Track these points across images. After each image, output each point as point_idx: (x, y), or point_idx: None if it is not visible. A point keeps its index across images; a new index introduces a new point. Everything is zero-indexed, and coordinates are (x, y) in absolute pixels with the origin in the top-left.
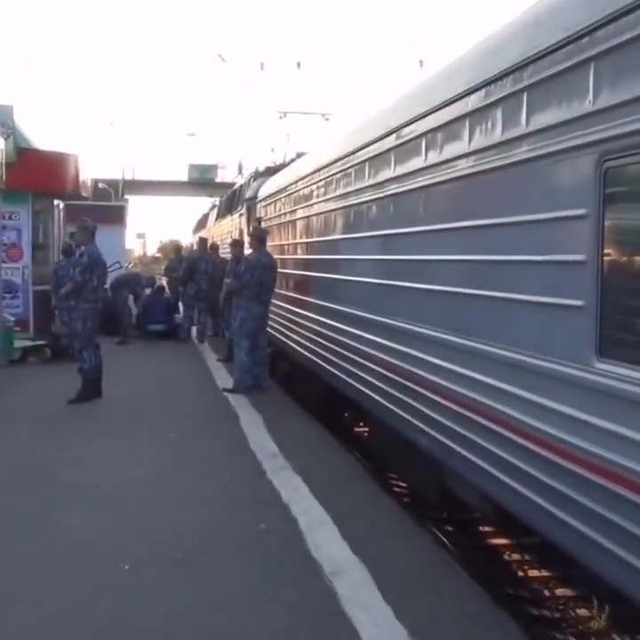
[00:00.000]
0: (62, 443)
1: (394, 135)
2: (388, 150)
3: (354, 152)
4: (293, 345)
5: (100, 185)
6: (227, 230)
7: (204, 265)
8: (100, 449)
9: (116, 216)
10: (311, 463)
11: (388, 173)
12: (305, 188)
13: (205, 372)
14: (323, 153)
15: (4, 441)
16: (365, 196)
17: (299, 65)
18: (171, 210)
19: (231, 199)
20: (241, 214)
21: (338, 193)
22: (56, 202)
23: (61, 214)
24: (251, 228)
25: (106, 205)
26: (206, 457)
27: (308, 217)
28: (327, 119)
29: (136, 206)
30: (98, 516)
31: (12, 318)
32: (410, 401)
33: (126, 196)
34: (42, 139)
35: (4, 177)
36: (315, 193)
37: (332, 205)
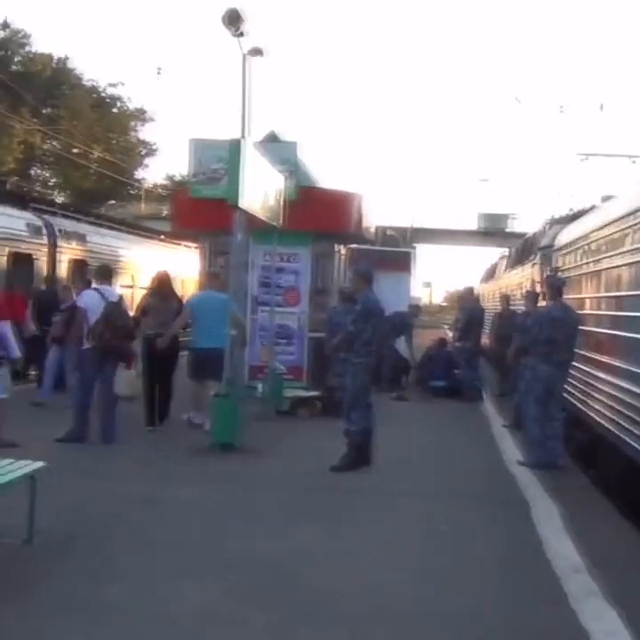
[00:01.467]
0: (306, 524)
1: None
2: None
3: None
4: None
5: (388, 232)
6: (517, 281)
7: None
8: (352, 538)
9: (402, 263)
10: (633, 588)
11: None
12: (621, 232)
13: (489, 439)
14: None
15: (246, 512)
16: None
17: (601, 106)
18: (458, 259)
19: (524, 248)
20: (534, 264)
21: None
22: (337, 246)
23: (342, 258)
24: (545, 277)
25: (391, 251)
26: (486, 563)
27: (623, 266)
28: (634, 162)
29: (424, 255)
30: None
31: (283, 368)
32: None
33: (414, 244)
34: (326, 179)
35: (282, 217)
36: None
37: None
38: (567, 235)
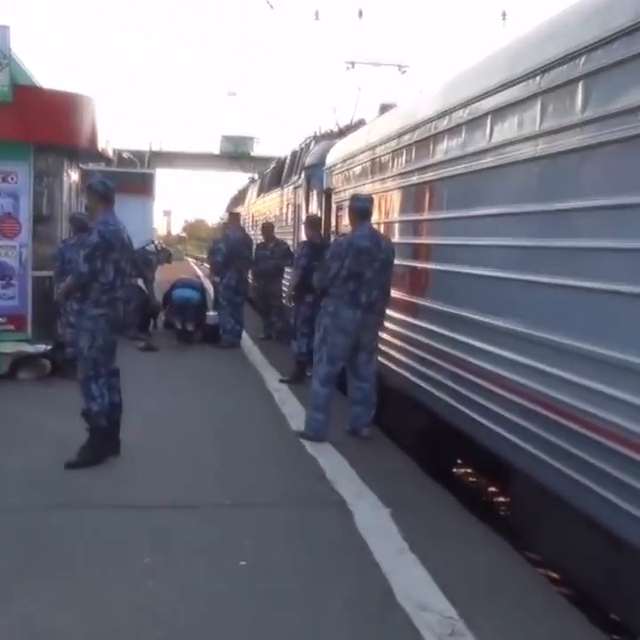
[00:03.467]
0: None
1: None
2: None
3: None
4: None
5: (125, 155)
6: (275, 207)
7: (246, 248)
8: (75, 593)
9: (145, 186)
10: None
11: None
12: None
13: (267, 401)
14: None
15: None
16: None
17: (360, 13)
18: (199, 186)
19: (282, 169)
20: (297, 187)
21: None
22: (68, 163)
23: (74, 179)
24: (350, 198)
25: (131, 172)
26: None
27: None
28: (404, 72)
29: (162, 181)
30: None
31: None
32: None
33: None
34: (48, 82)
35: None
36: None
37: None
38: (343, 149)
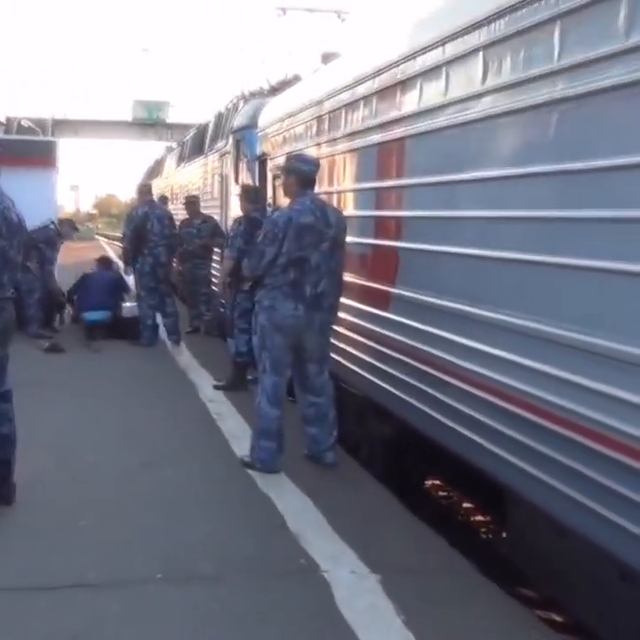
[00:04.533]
0: None
1: None
2: None
3: None
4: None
5: (24, 122)
6: (198, 177)
7: (158, 225)
8: None
9: (45, 156)
10: None
11: None
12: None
13: (201, 415)
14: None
15: None
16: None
17: None
18: (110, 158)
19: (202, 136)
20: (224, 154)
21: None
22: None
23: None
24: (286, 160)
25: (28, 140)
26: None
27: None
28: (343, 19)
29: (68, 153)
30: None
31: None
32: None
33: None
34: None
35: None
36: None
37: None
38: (280, 108)
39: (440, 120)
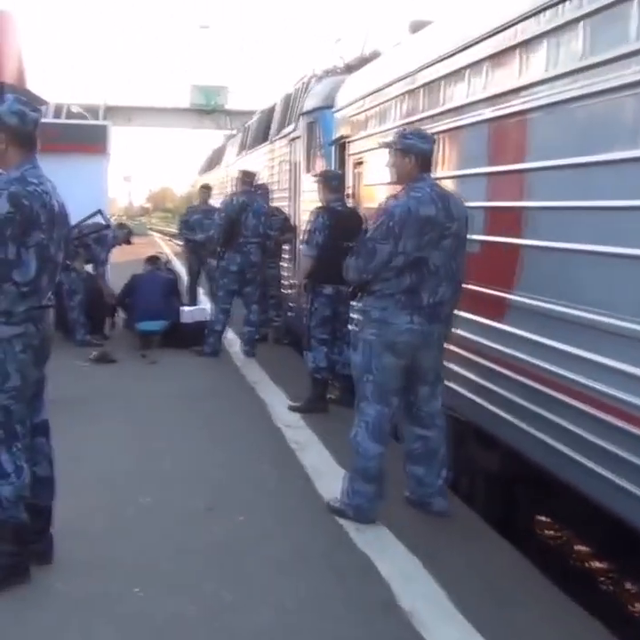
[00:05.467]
0: None
1: None
2: None
3: None
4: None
5: (74, 108)
6: (262, 166)
7: (254, 219)
8: None
9: (96, 141)
10: None
11: None
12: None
13: (277, 445)
14: None
15: None
16: None
17: None
18: (164, 148)
19: (267, 121)
20: (294, 139)
21: None
22: None
23: None
24: (397, 135)
25: (78, 125)
26: None
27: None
28: None
29: (120, 143)
30: None
31: None
32: None
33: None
34: None
35: None
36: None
37: None
38: (363, 84)
39: (576, 87)
